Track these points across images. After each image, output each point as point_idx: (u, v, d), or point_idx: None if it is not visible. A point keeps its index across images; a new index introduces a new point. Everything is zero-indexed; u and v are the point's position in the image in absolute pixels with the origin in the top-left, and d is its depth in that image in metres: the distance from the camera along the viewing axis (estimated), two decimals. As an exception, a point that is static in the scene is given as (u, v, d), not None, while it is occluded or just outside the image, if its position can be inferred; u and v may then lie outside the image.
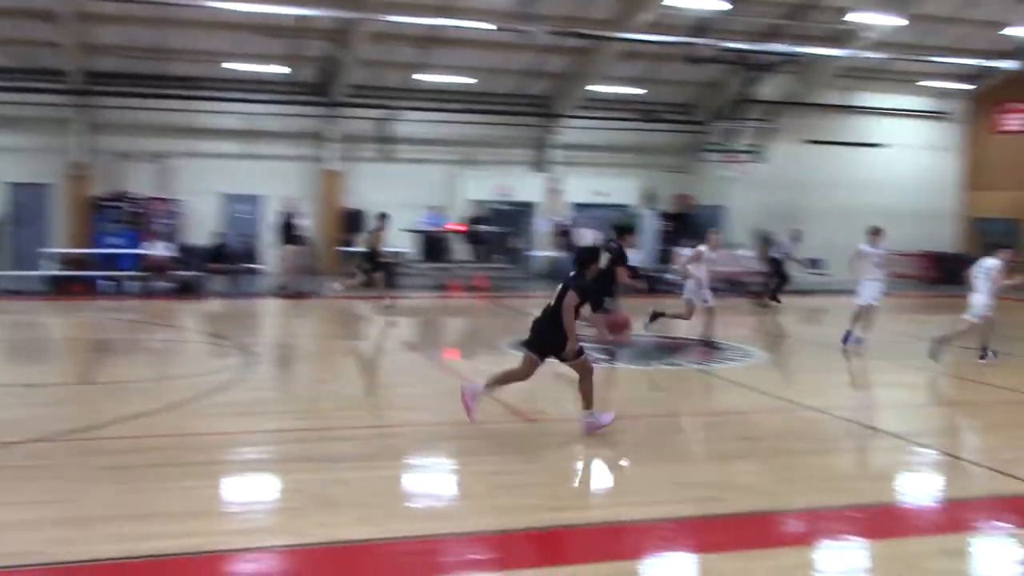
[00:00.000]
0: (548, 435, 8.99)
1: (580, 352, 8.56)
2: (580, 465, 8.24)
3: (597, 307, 13.17)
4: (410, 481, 7.52)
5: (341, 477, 7.19)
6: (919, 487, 8.01)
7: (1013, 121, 27.19)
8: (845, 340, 14.60)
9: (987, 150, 28.07)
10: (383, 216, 18.94)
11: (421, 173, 25.62)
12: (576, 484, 7.73)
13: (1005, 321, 14.87)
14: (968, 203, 28.50)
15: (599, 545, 6.07)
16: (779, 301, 15.73)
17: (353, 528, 6.10)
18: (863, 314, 14.75)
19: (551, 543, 6.06)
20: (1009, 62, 24.13)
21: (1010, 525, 6.79)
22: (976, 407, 11.43)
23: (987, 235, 27.10)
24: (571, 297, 8.35)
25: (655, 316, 14.71)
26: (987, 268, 13.43)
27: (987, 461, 8.30)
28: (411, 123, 25.14)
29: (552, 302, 8.57)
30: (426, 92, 25.19)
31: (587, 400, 8.67)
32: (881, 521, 6.75)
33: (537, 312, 8.74)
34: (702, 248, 14.90)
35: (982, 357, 13.49)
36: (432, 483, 7.52)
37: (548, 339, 8.59)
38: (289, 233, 21.15)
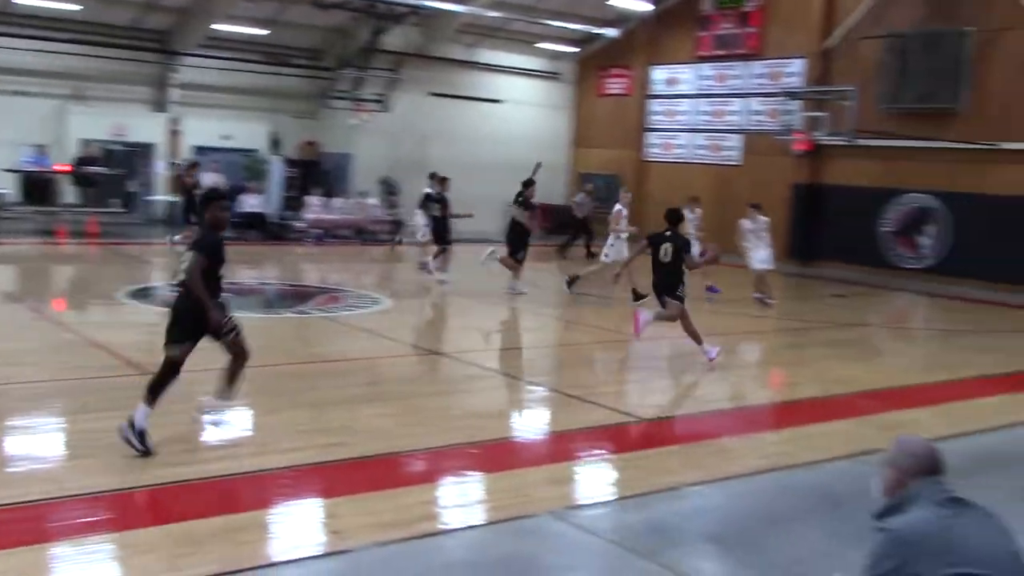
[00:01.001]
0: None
1: (682, 298, 10.77)
2: (203, 417, 8.00)
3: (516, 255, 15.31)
4: (12, 444, 6.90)
5: (-73, 443, 6.46)
6: (530, 422, 8.65)
7: (613, 85, 29.65)
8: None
9: (592, 110, 30.39)
10: (194, 164, 20.78)
11: (22, 107, 23.16)
12: (198, 437, 7.49)
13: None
14: (576, 159, 30.75)
15: (220, 498, 5.96)
16: (592, 255, 17.47)
17: (-57, 498, 5.52)
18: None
19: (169, 500, 5.86)
20: (611, 30, 26.22)
21: (604, 451, 7.54)
22: (580, 347, 12.49)
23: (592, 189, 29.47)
24: (689, 260, 10.79)
25: (573, 280, 15.83)
26: (758, 226, 15.86)
27: (587, 395, 9.12)
28: (9, 51, 22.62)
29: (666, 259, 10.74)
30: (26, 17, 22.74)
31: (694, 337, 10.79)
32: (496, 455, 7.22)
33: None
34: (621, 207, 15.96)
35: (762, 301, 15.56)
36: (38, 444, 6.97)
37: (668, 286, 10.83)
38: None
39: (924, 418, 9.07)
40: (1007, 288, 19.68)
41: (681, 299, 10.81)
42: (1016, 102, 20.21)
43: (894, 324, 16.68)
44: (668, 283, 10.89)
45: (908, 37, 20.79)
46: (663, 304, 10.97)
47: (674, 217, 11.10)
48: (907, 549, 3.29)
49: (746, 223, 15.99)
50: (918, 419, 9.01)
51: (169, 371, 6.60)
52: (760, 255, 15.81)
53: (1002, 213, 20.12)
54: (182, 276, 6.65)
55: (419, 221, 18.13)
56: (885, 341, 14.72)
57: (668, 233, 10.89)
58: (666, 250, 10.74)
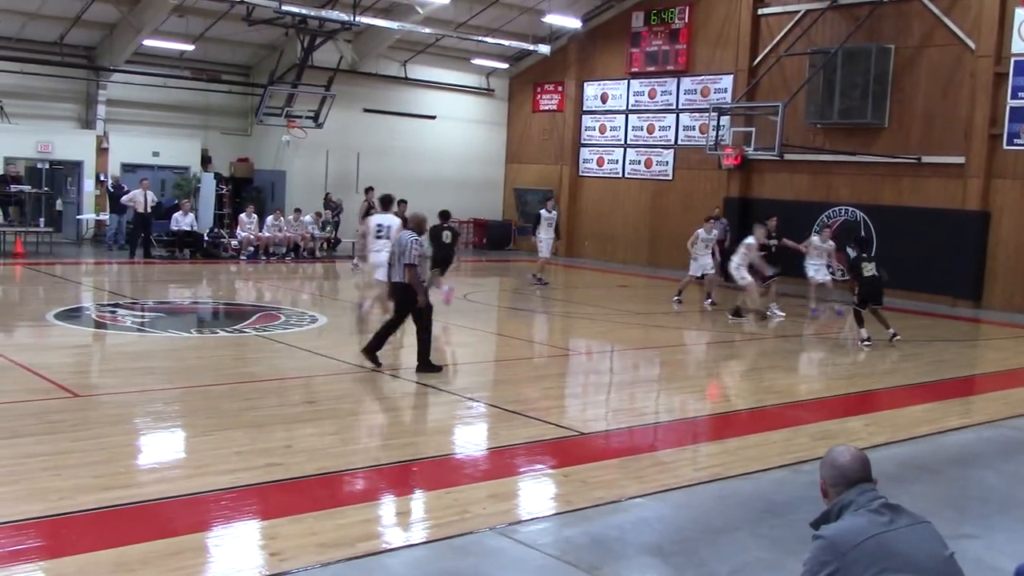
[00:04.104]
0: (98, 410, 8.46)
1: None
2: (137, 440, 7.85)
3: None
4: (-65, 471, 6.69)
5: None
6: (469, 438, 8.63)
7: (547, 101, 29.84)
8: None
9: (526, 126, 30.54)
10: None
11: (-57, 124, 22.62)
12: (133, 460, 7.35)
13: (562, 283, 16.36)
14: (510, 174, 30.86)
15: (156, 522, 5.84)
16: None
17: None
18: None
19: (103, 525, 5.73)
20: (543, 46, 26.39)
21: (544, 466, 7.56)
22: (516, 362, 12.51)
23: (525, 204, 29.59)
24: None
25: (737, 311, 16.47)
26: (710, 237, 17.77)
27: (526, 410, 9.14)
28: (-71, 67, 22.05)
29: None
30: (-52, 34, 22.23)
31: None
32: (437, 472, 7.19)
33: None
34: (751, 241, 16.42)
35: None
36: (-37, 471, 6.76)
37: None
38: None
39: (857, 427, 9.25)
40: (927, 298, 20.25)
41: None
42: (937, 117, 20.80)
43: (824, 334, 17.00)
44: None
45: (832, 54, 21.26)
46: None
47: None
48: (841, 555, 3.36)
49: (701, 232, 17.75)
50: (851, 428, 9.19)
51: None
52: (707, 261, 17.63)
53: (923, 225, 20.67)
54: None
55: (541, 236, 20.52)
56: (816, 351, 14.99)
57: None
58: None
